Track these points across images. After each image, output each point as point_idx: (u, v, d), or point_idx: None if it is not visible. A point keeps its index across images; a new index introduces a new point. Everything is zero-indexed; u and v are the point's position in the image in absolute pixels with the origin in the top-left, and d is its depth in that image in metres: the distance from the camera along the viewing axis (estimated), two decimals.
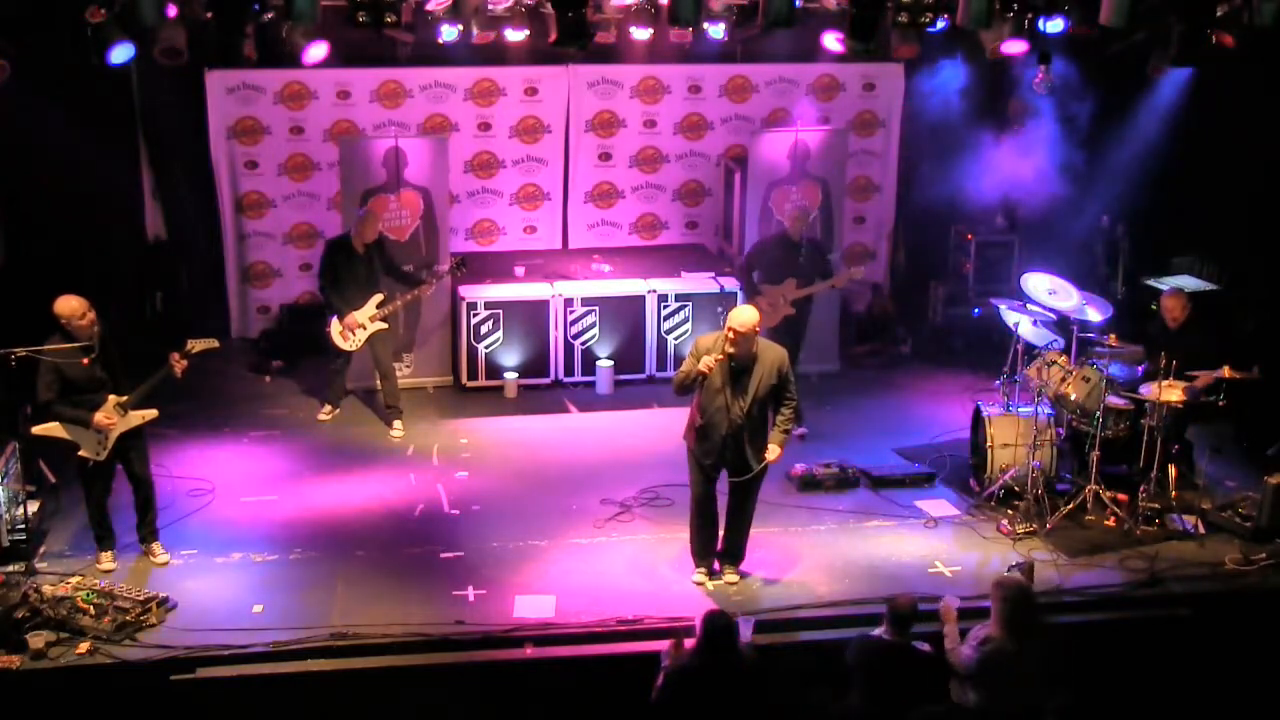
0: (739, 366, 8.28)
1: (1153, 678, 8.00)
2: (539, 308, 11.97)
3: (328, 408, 11.29)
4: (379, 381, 11.13)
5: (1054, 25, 10.35)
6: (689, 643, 7.09)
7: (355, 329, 10.81)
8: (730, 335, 8.16)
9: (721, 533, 8.73)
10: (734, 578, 8.70)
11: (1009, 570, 8.06)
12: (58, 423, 8.40)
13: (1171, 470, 9.53)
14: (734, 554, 8.76)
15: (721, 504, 8.74)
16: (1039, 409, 9.52)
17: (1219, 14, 10.16)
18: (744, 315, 8.25)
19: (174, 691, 7.58)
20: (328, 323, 10.94)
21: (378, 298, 10.85)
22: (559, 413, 11.61)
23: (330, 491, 9.96)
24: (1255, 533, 9.27)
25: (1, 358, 8.29)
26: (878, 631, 7.39)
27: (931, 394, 12.04)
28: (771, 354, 8.38)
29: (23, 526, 8.73)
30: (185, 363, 8.57)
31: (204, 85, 12.34)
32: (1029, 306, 9.89)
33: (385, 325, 10.95)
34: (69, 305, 8.32)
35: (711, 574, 8.71)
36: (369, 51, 12.13)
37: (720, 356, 8.20)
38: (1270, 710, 7.89)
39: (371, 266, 10.84)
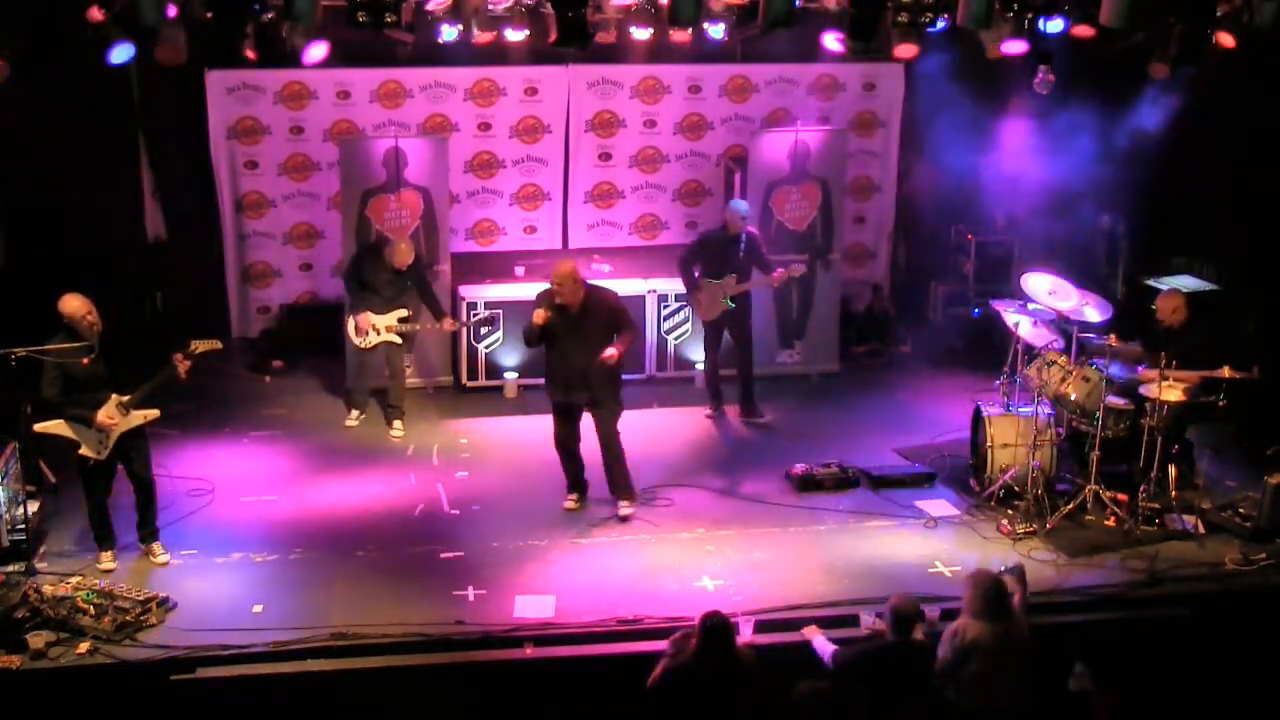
0: (574, 315, 9.18)
1: (1153, 678, 7.99)
2: None
3: (354, 412, 11.28)
4: (388, 379, 11.14)
5: (1054, 25, 10.35)
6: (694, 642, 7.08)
7: (367, 329, 10.83)
8: (555, 287, 9.10)
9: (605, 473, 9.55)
10: (627, 509, 9.52)
11: (1000, 573, 8.03)
12: (61, 420, 8.41)
13: (1171, 470, 9.53)
14: (621, 487, 9.52)
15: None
16: (1039, 409, 9.53)
17: (1219, 14, 10.15)
18: (561, 267, 9.20)
19: (174, 691, 7.59)
20: (346, 317, 11.02)
21: (401, 312, 10.88)
22: None
23: (330, 491, 9.96)
24: (1255, 533, 9.28)
25: (1, 358, 8.30)
26: (867, 624, 7.41)
27: (931, 394, 12.04)
28: (602, 300, 9.33)
29: (23, 526, 8.73)
30: (189, 363, 8.58)
31: (204, 85, 12.34)
32: (1029, 306, 9.90)
33: (399, 340, 10.97)
34: (72, 305, 8.34)
35: (582, 500, 9.70)
36: (369, 51, 12.13)
37: (546, 313, 9.11)
38: (1270, 710, 7.88)
39: (401, 283, 10.90)
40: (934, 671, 7.15)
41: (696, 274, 11.24)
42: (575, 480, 9.69)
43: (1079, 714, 7.30)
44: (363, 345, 10.96)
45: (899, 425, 11.28)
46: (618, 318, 9.37)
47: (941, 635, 7.35)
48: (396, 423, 11.10)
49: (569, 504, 9.66)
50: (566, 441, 9.59)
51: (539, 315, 9.17)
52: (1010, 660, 7.10)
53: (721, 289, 11.08)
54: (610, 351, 9.16)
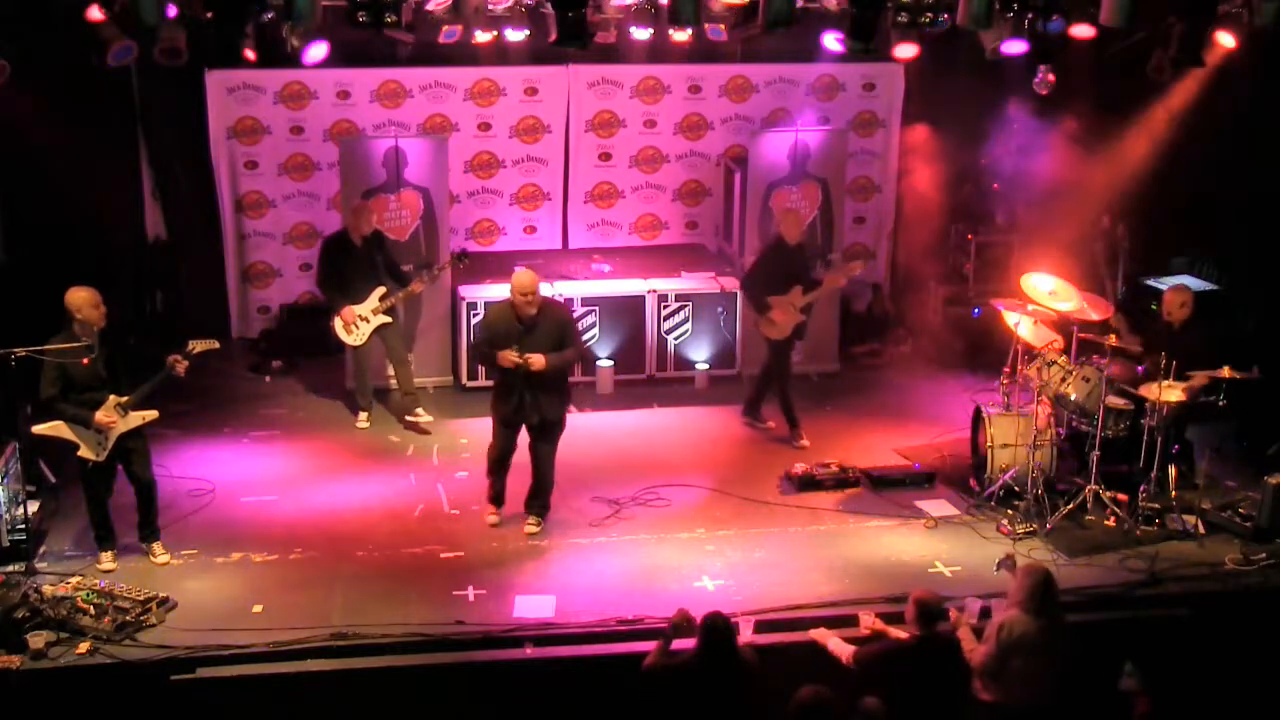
0: (527, 328, 8.98)
1: (1153, 678, 7.98)
2: None
3: (363, 415, 11.25)
4: (393, 369, 11.14)
5: (1054, 25, 10.35)
6: (690, 643, 7.07)
7: (356, 322, 10.82)
8: (528, 300, 8.92)
9: (530, 484, 9.40)
10: (535, 528, 9.31)
11: (996, 569, 8.03)
12: (60, 422, 8.41)
13: (1171, 470, 9.53)
14: (541, 504, 9.37)
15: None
16: (1039, 409, 9.52)
17: (1219, 14, 10.15)
18: (526, 279, 8.97)
19: (174, 691, 7.59)
20: (331, 320, 10.95)
21: (380, 290, 10.86)
22: None
23: (330, 491, 9.96)
24: (1255, 533, 9.28)
25: (1, 358, 8.29)
26: (866, 625, 7.40)
27: (931, 394, 12.04)
28: (554, 313, 9.21)
29: (23, 526, 8.74)
30: (187, 363, 8.58)
31: (204, 85, 12.34)
32: (1029, 306, 9.90)
33: (389, 319, 10.95)
34: (79, 296, 8.34)
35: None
36: (369, 51, 12.13)
37: (517, 356, 8.87)
38: (1270, 710, 7.88)
39: (372, 259, 10.86)
40: (975, 667, 7.14)
41: (762, 292, 10.81)
42: (501, 494, 9.48)
43: (1124, 714, 7.28)
44: (357, 341, 10.95)
45: (899, 425, 11.28)
46: (567, 332, 9.18)
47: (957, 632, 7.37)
48: (418, 409, 11.04)
49: (491, 518, 9.47)
50: (506, 456, 9.39)
51: (508, 358, 8.88)
52: (1054, 656, 7.10)
53: (790, 303, 10.73)
54: (538, 360, 8.86)
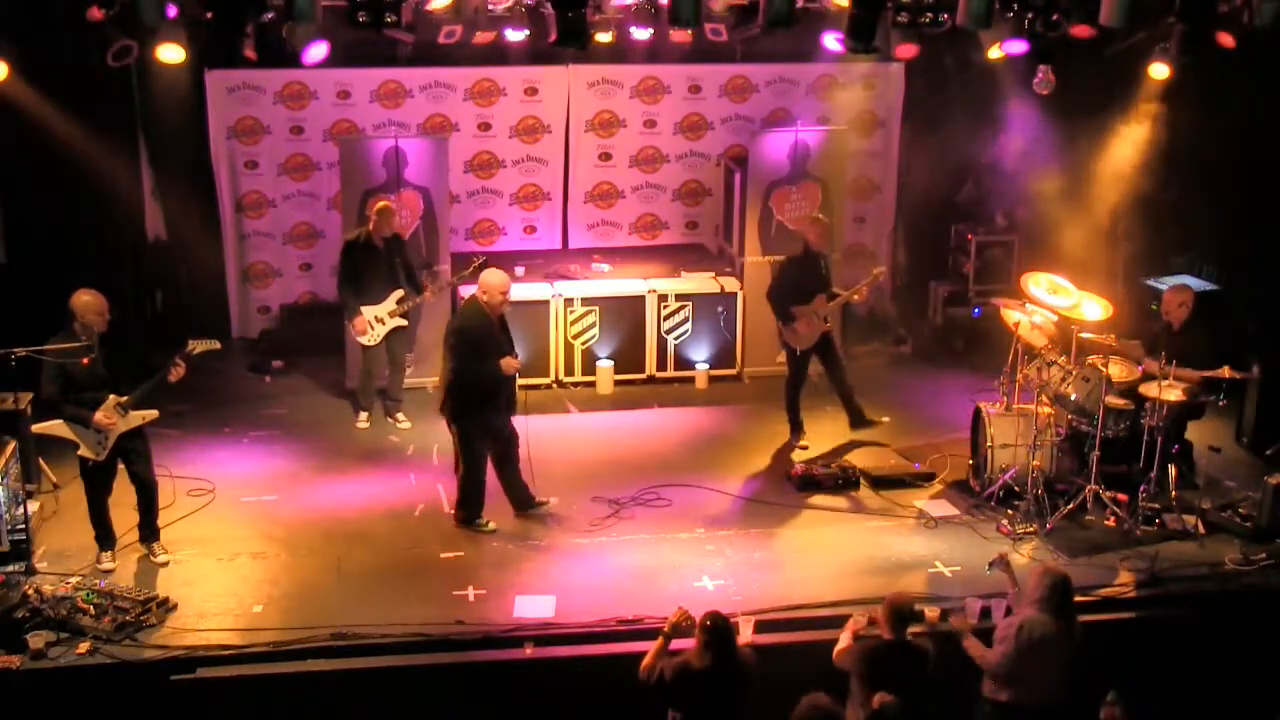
0: (503, 326, 9.20)
1: (1153, 678, 8.00)
2: (539, 308, 11.96)
3: (364, 415, 11.27)
4: (389, 372, 11.15)
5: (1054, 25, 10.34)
6: (691, 643, 7.07)
7: (373, 323, 10.87)
8: (507, 297, 9.13)
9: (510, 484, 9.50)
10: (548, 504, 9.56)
11: (989, 569, 8.02)
12: (60, 421, 8.41)
13: (1171, 470, 9.53)
14: (529, 496, 9.52)
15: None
16: (1039, 409, 9.52)
17: (1219, 14, 10.15)
18: (505, 276, 9.15)
19: (174, 691, 7.59)
20: (348, 320, 10.99)
21: (398, 293, 10.89)
22: (559, 413, 11.61)
23: (330, 491, 9.96)
24: (1255, 533, 9.28)
25: (1, 357, 8.30)
26: (860, 624, 7.42)
27: (931, 394, 12.03)
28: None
29: (23, 526, 8.73)
30: (184, 366, 8.56)
31: (204, 85, 12.35)
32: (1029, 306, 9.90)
33: (405, 322, 10.98)
34: (82, 299, 8.37)
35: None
36: (369, 51, 12.13)
37: (517, 363, 9.16)
38: (1270, 710, 7.88)
39: (392, 261, 10.89)
40: (989, 668, 7.15)
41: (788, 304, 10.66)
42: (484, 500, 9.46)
43: None
44: (372, 342, 10.97)
45: (899, 425, 11.28)
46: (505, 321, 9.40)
47: (949, 633, 7.36)
48: (399, 415, 11.11)
49: (491, 525, 9.40)
50: (485, 469, 9.37)
51: (512, 364, 9.05)
52: (1069, 657, 7.12)
53: (814, 312, 10.59)
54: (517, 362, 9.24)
